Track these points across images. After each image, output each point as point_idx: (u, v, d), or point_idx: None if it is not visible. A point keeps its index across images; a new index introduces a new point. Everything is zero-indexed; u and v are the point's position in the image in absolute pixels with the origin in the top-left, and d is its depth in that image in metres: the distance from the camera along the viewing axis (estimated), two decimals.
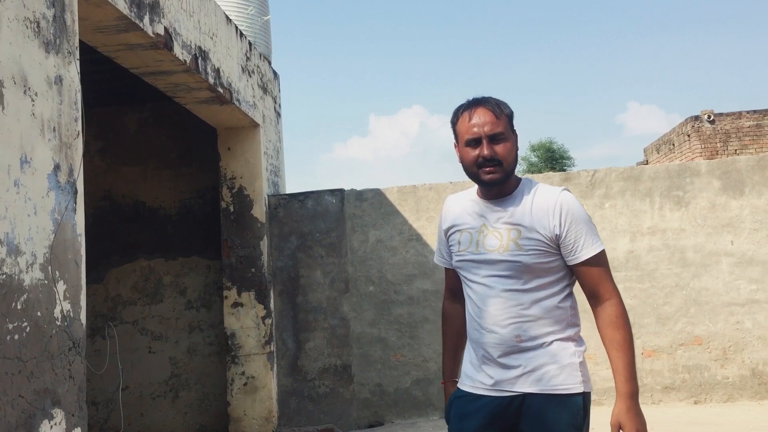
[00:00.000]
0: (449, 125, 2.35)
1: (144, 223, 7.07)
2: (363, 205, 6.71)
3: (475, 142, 2.22)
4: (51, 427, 2.92)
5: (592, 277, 2.21)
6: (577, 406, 2.18)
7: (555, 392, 2.17)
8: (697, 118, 16.12)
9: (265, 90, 6.90)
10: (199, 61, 5.10)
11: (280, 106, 7.48)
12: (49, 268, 3.00)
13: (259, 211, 6.56)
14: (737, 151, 15.55)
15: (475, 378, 2.29)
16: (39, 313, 2.91)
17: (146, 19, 4.24)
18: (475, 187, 2.34)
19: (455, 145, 2.33)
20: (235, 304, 6.46)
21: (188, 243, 6.99)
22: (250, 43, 6.49)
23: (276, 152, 7.21)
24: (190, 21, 4.96)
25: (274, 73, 7.33)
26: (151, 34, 4.30)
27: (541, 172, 22.65)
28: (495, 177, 2.22)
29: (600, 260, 2.21)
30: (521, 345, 2.20)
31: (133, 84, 5.82)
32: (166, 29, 4.52)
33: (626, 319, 2.19)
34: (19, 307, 2.78)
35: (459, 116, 2.29)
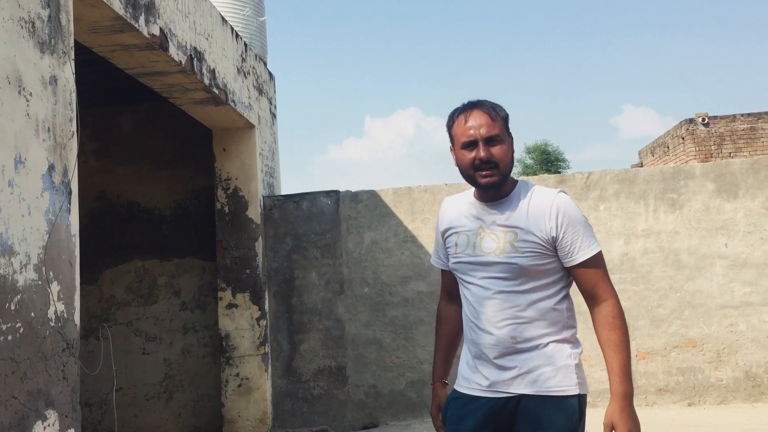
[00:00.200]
0: (445, 128, 2.36)
1: (139, 224, 7.06)
2: (358, 207, 6.71)
3: (471, 145, 2.23)
4: (44, 428, 2.91)
5: (589, 279, 2.22)
6: (573, 408, 2.18)
7: (550, 394, 2.17)
8: (691, 120, 16.17)
9: (260, 91, 6.89)
10: (195, 62, 5.10)
11: (275, 107, 7.48)
12: (43, 268, 2.99)
13: (254, 213, 6.55)
14: (731, 154, 15.61)
15: (471, 379, 2.30)
16: (33, 314, 2.90)
17: (141, 19, 4.23)
18: (472, 189, 2.35)
19: (451, 149, 2.33)
20: (230, 306, 6.45)
21: (183, 244, 6.98)
22: (245, 44, 6.48)
23: (271, 153, 7.21)
24: (185, 22, 4.96)
25: (270, 74, 7.33)
26: (146, 34, 4.29)
27: (536, 174, 22.68)
28: (491, 179, 2.22)
29: (597, 261, 2.22)
30: (517, 346, 2.21)
31: (128, 85, 5.81)
32: (161, 30, 4.51)
33: (623, 320, 2.20)
34: (12, 307, 2.77)
35: (455, 119, 2.30)
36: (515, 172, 2.28)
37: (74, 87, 3.38)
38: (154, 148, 7.13)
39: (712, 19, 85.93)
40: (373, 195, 6.73)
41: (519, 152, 30.84)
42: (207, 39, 5.39)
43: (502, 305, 2.22)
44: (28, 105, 2.98)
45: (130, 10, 4.07)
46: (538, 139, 42.85)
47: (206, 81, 5.32)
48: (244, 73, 6.38)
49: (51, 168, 3.12)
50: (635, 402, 2.17)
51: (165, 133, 7.14)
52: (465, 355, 2.37)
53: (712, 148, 15.84)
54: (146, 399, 6.84)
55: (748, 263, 6.26)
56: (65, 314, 3.14)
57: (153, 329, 6.90)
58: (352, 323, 6.59)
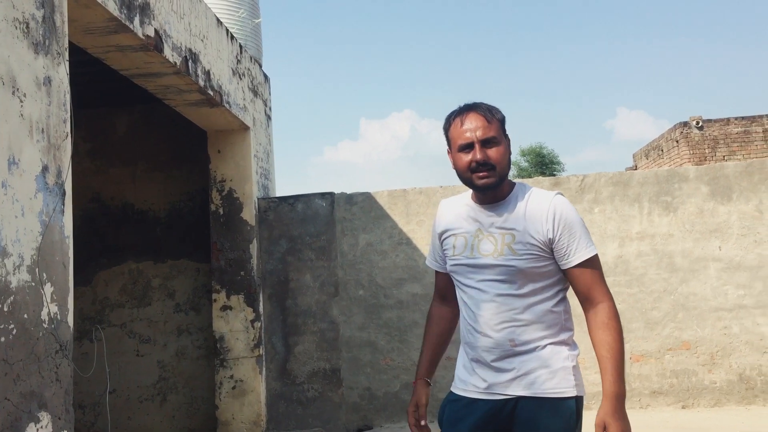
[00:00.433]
0: (440, 130, 2.37)
1: (133, 226, 7.04)
2: (353, 209, 6.71)
3: (467, 147, 2.23)
4: (37, 430, 2.90)
5: (585, 281, 2.22)
6: (570, 409, 2.18)
7: (547, 396, 2.18)
8: (685, 124, 16.23)
9: (255, 93, 6.89)
10: (190, 64, 5.09)
11: (270, 109, 7.48)
12: (37, 270, 2.98)
13: (249, 214, 6.55)
14: (725, 157, 15.66)
15: (468, 381, 2.30)
16: (26, 316, 2.89)
17: (136, 20, 4.22)
18: (470, 191, 2.35)
19: (448, 152, 2.34)
20: (224, 308, 6.44)
21: (177, 246, 6.96)
22: (240, 46, 6.48)
23: (266, 155, 7.20)
24: (180, 23, 4.95)
25: (265, 75, 7.33)
26: (141, 35, 4.29)
27: (530, 177, 22.71)
28: (488, 181, 2.23)
29: (593, 264, 2.23)
30: (515, 349, 2.21)
31: (122, 86, 5.80)
32: (156, 31, 4.51)
33: (618, 321, 2.20)
34: (5, 309, 2.76)
35: (451, 122, 2.30)
36: (510, 174, 2.27)
37: (68, 88, 3.37)
38: (148, 150, 7.11)
39: (707, 23, 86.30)
40: (368, 197, 6.73)
41: (514, 155, 30.83)
42: (202, 40, 5.39)
43: (500, 308, 2.22)
44: (22, 106, 2.98)
45: (125, 11, 4.06)
46: (533, 141, 42.96)
47: (201, 82, 5.32)
48: (239, 75, 6.38)
49: (45, 169, 3.11)
50: (629, 404, 2.18)
51: (159, 135, 7.13)
52: (462, 357, 2.37)
53: (706, 151, 15.89)
54: (140, 401, 6.82)
55: (741, 266, 6.28)
56: (58, 316, 3.13)
57: (147, 331, 6.89)
58: (347, 325, 6.59)
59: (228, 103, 5.96)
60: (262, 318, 6.52)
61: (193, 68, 5.16)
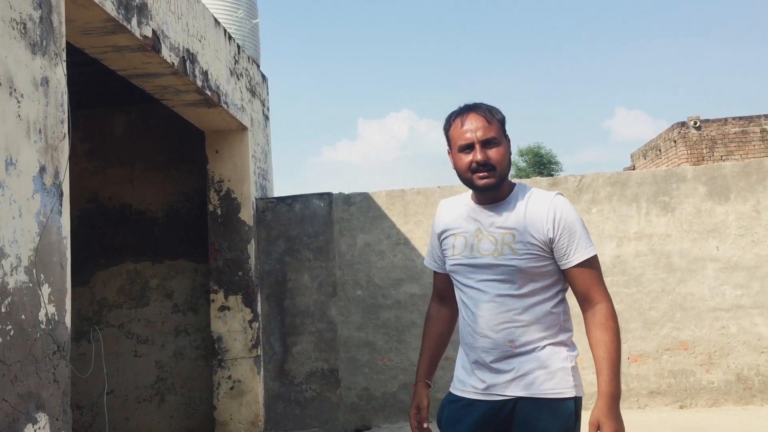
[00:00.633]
0: (438, 130, 2.37)
1: (130, 226, 7.03)
2: (351, 209, 6.71)
3: (468, 148, 2.24)
4: (35, 431, 2.89)
5: (584, 281, 2.22)
6: (569, 410, 2.18)
7: (546, 396, 2.18)
8: (683, 124, 16.24)
9: (253, 93, 6.88)
10: (187, 64, 5.09)
11: (268, 109, 7.47)
12: (34, 270, 2.97)
13: (247, 215, 6.54)
14: (723, 158, 15.68)
15: (467, 382, 2.30)
16: (23, 317, 2.88)
17: (134, 21, 4.22)
18: (469, 192, 2.35)
19: (448, 152, 2.34)
20: (222, 308, 6.44)
21: (175, 246, 6.96)
22: (238, 46, 6.48)
23: (264, 155, 7.20)
24: (178, 23, 4.95)
25: (263, 76, 7.33)
26: (138, 36, 4.28)
27: (528, 177, 22.73)
28: (489, 182, 2.23)
29: (592, 264, 2.23)
30: (514, 350, 2.21)
31: (120, 86, 5.79)
32: (154, 31, 4.50)
33: (615, 322, 2.21)
34: (3, 310, 2.75)
35: (451, 123, 2.30)
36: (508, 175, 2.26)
37: (66, 88, 3.37)
38: (146, 150, 7.11)
39: (705, 23, 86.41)
40: (366, 197, 6.73)
41: (512, 155, 30.93)
42: (200, 41, 5.38)
43: (500, 309, 2.22)
44: (19, 106, 2.97)
45: (123, 12, 4.06)
46: (531, 141, 43.00)
47: (199, 83, 5.31)
48: (237, 75, 6.38)
49: (42, 170, 3.11)
50: (627, 404, 2.19)
51: (157, 135, 7.13)
52: (461, 358, 2.37)
53: (704, 151, 15.91)
54: (138, 402, 6.81)
55: (739, 266, 6.29)
56: (56, 317, 3.12)
57: (145, 331, 6.88)
58: (345, 326, 6.59)
59: (226, 103, 5.96)
60: (260, 318, 6.52)
61: (191, 68, 5.16)
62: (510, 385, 2.21)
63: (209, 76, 5.56)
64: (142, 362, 6.84)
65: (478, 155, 2.21)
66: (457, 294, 2.36)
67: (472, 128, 2.23)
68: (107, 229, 7.04)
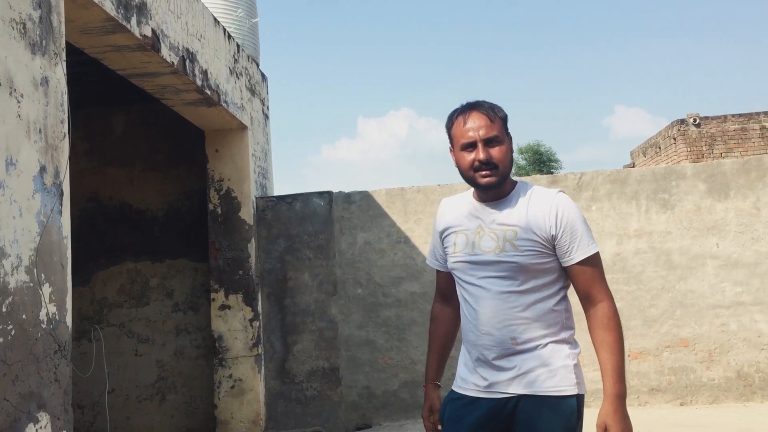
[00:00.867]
0: (438, 129, 2.40)
1: (131, 225, 7.04)
2: (351, 208, 6.71)
3: (470, 146, 2.24)
4: (36, 430, 2.90)
5: (586, 279, 2.22)
6: (571, 408, 2.18)
7: (548, 394, 2.18)
8: (683, 121, 16.24)
9: (253, 92, 6.88)
10: (187, 63, 5.09)
11: (268, 108, 7.47)
12: (35, 270, 2.97)
13: (247, 214, 6.55)
14: (722, 155, 15.68)
15: (469, 380, 2.30)
16: (24, 316, 2.89)
17: (133, 20, 4.22)
18: (471, 190, 2.35)
19: (451, 150, 2.34)
20: (223, 307, 6.44)
21: (175, 245, 6.96)
22: (238, 45, 6.47)
23: (264, 154, 7.20)
24: (177, 23, 4.95)
25: (262, 75, 7.32)
26: (138, 35, 4.28)
27: (528, 175, 22.73)
28: (491, 180, 2.23)
29: (594, 262, 2.23)
30: (516, 347, 2.21)
31: (120, 86, 5.80)
32: (153, 31, 4.50)
33: (618, 321, 2.21)
34: (4, 310, 2.76)
35: (454, 121, 2.30)
36: None
37: (66, 88, 3.37)
38: (146, 149, 7.11)
39: (704, 21, 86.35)
40: (366, 196, 6.73)
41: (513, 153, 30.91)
42: (199, 40, 5.38)
43: (502, 306, 2.22)
44: (19, 106, 2.97)
45: (122, 11, 4.06)
46: (531, 139, 42.95)
47: (198, 82, 5.31)
48: (237, 74, 6.37)
49: (42, 169, 3.11)
50: (627, 402, 2.18)
51: (157, 134, 7.13)
52: (463, 356, 2.37)
53: (704, 148, 15.90)
54: (139, 401, 6.82)
55: (739, 263, 6.29)
56: (57, 316, 3.13)
57: (145, 331, 6.88)
58: (345, 324, 6.59)
59: (225, 102, 5.96)
60: (260, 317, 6.52)
61: (191, 68, 5.16)
62: (512, 383, 2.21)
63: (209, 75, 5.56)
64: (142, 361, 6.85)
65: (481, 154, 2.21)
66: (459, 291, 2.36)
67: (475, 127, 2.23)
68: (107, 228, 7.04)
